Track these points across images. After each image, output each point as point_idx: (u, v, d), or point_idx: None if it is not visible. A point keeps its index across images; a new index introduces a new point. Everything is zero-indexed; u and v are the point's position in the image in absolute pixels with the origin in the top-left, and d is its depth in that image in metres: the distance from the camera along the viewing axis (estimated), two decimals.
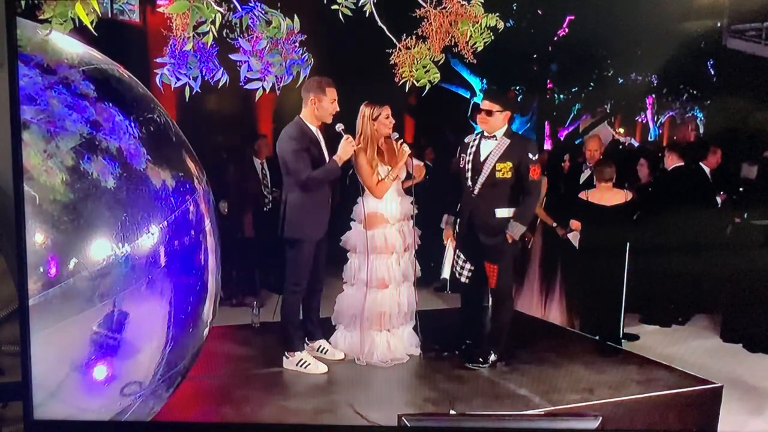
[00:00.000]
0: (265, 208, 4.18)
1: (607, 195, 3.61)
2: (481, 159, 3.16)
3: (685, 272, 3.53)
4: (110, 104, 2.21)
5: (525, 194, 3.12)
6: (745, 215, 3.61)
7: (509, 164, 3.10)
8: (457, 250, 3.35)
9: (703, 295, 3.67)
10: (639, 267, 3.71)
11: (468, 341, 3.37)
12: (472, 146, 3.21)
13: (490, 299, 3.36)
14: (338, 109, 3.11)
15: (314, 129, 3.16)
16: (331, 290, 3.48)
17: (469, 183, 3.20)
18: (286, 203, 3.12)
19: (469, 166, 3.19)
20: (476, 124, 3.26)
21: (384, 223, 3.25)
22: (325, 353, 3.32)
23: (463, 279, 3.34)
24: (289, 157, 3.07)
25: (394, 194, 3.28)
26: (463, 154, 3.24)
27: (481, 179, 3.15)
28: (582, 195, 3.69)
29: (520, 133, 4.36)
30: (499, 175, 3.11)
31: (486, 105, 3.15)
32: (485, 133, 3.18)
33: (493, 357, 3.23)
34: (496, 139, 3.15)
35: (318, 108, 3.10)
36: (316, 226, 3.15)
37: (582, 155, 3.96)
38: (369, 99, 3.25)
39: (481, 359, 3.23)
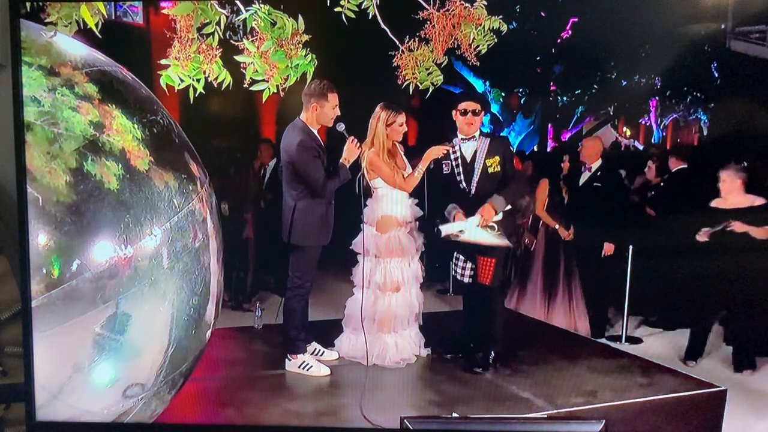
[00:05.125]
0: (268, 208, 4.18)
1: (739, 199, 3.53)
2: (468, 160, 3.21)
3: (689, 275, 3.52)
4: (114, 106, 2.22)
5: (509, 180, 3.23)
6: None
7: (497, 158, 3.20)
8: (455, 252, 3.37)
9: (708, 298, 3.65)
10: (642, 269, 3.70)
11: (471, 344, 3.36)
12: (455, 152, 3.24)
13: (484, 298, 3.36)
14: (339, 113, 3.11)
15: (316, 132, 3.16)
16: (333, 294, 3.48)
17: (464, 185, 3.23)
18: (294, 210, 3.11)
19: (459, 170, 3.23)
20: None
21: (397, 225, 3.27)
22: (320, 355, 3.31)
23: (465, 279, 3.34)
24: (305, 167, 3.07)
25: (405, 196, 3.29)
26: (445, 161, 3.26)
27: (476, 178, 3.21)
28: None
29: (522, 135, 4.36)
30: (491, 170, 3.20)
31: (472, 106, 3.19)
32: (462, 137, 3.22)
33: (492, 356, 3.24)
34: (475, 139, 3.21)
35: (320, 114, 3.10)
36: (324, 232, 3.17)
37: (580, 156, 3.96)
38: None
39: (484, 363, 3.23)
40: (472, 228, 3.18)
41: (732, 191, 3.39)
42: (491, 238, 3.20)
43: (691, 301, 3.76)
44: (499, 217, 3.19)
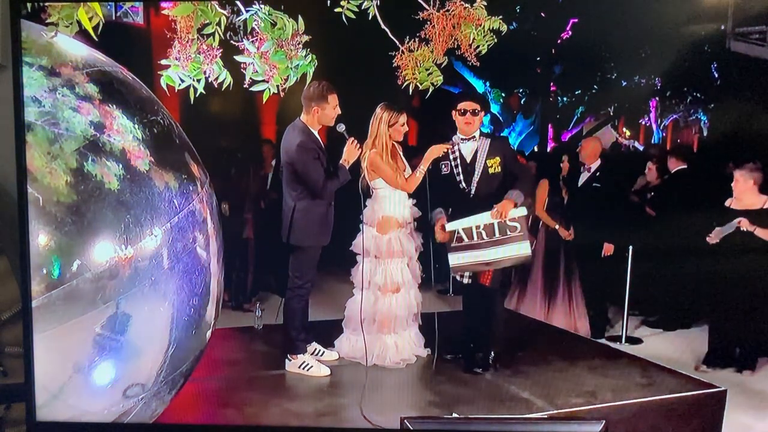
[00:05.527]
0: (268, 208, 4.18)
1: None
2: (468, 161, 3.21)
3: (689, 275, 3.52)
4: (114, 106, 2.22)
5: (518, 176, 3.21)
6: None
7: (497, 159, 3.18)
8: None
9: (708, 298, 3.66)
10: (642, 269, 3.70)
11: (471, 345, 3.36)
12: (453, 152, 3.23)
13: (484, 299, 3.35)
14: (340, 112, 3.11)
15: (317, 133, 3.16)
16: (334, 294, 3.48)
17: (463, 185, 3.22)
18: (294, 211, 3.11)
19: (459, 170, 3.23)
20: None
21: (398, 226, 3.26)
22: (321, 355, 3.32)
23: (465, 280, 3.34)
24: (305, 168, 3.06)
25: (405, 197, 3.29)
26: (444, 162, 3.25)
27: (476, 178, 3.20)
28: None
29: (522, 135, 4.36)
30: (491, 170, 3.19)
31: (471, 106, 3.18)
32: (462, 137, 3.21)
33: (492, 356, 3.24)
34: (475, 140, 3.21)
35: (321, 116, 3.09)
36: (323, 233, 3.17)
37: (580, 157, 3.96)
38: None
39: (484, 363, 3.23)
40: (493, 251, 3.14)
41: (745, 191, 3.37)
42: (512, 250, 3.15)
43: (690, 301, 3.77)
44: (523, 212, 3.13)
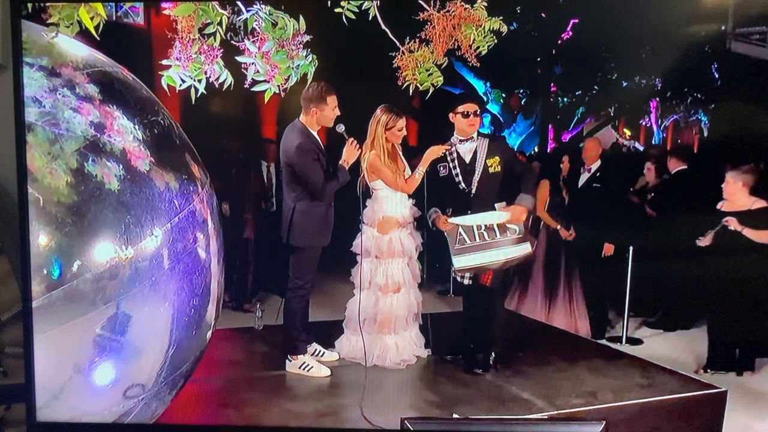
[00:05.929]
0: (271, 209, 4.18)
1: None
2: (467, 160, 3.21)
3: (690, 276, 3.52)
4: (115, 107, 2.22)
5: (523, 175, 3.25)
6: None
7: (497, 158, 3.20)
8: None
9: (708, 299, 3.66)
10: (643, 270, 3.70)
11: (471, 345, 3.36)
12: (451, 153, 3.23)
13: (484, 299, 3.36)
14: (339, 113, 3.11)
15: (316, 134, 3.16)
16: (334, 295, 3.48)
17: (463, 185, 3.23)
18: (294, 211, 3.11)
19: (458, 170, 3.23)
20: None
21: (398, 226, 3.27)
22: (321, 356, 3.31)
23: (465, 281, 3.34)
24: (304, 169, 3.07)
25: (404, 197, 3.29)
26: (442, 164, 3.25)
27: (476, 177, 3.21)
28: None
29: (522, 136, 4.36)
30: (491, 170, 3.20)
31: (472, 107, 3.19)
32: (460, 138, 3.22)
33: (492, 357, 3.24)
34: (474, 140, 3.21)
35: (320, 117, 3.09)
36: (324, 233, 3.17)
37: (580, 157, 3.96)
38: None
39: (484, 364, 3.23)
40: (496, 252, 3.17)
41: (734, 192, 3.37)
42: (514, 251, 3.18)
43: (690, 302, 3.77)
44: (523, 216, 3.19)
